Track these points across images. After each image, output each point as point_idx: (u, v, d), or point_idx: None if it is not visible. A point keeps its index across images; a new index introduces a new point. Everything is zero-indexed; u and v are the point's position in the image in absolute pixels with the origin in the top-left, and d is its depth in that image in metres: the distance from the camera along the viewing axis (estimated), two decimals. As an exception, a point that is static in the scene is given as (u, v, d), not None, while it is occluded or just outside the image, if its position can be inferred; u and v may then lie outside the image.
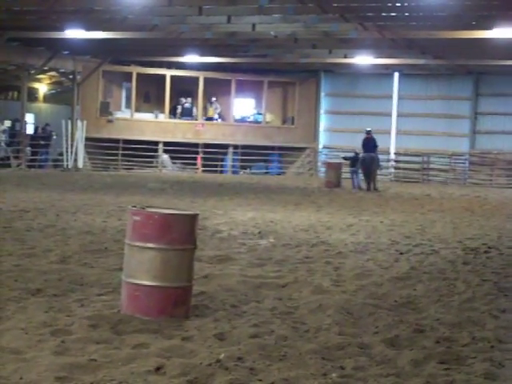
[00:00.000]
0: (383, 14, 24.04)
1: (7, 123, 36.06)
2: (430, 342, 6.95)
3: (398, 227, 16.25)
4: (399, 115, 36.71)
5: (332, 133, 37.57)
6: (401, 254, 12.35)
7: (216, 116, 36.93)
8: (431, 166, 36.60)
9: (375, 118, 36.42)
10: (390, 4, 22.47)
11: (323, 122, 37.93)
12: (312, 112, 37.57)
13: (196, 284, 8.18)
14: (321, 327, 7.31)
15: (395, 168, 36.98)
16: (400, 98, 36.81)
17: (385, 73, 36.23)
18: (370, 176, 27.97)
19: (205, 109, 36.72)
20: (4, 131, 34.59)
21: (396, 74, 36.68)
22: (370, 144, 28.61)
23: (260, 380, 5.75)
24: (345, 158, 30.41)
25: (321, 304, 8.22)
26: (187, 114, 36.26)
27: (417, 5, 22.10)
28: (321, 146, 37.69)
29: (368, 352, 6.60)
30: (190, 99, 36.37)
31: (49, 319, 7.18)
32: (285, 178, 34.78)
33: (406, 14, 23.51)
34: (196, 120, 36.27)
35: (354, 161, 29.15)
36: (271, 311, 7.93)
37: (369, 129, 29.49)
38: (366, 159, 27.91)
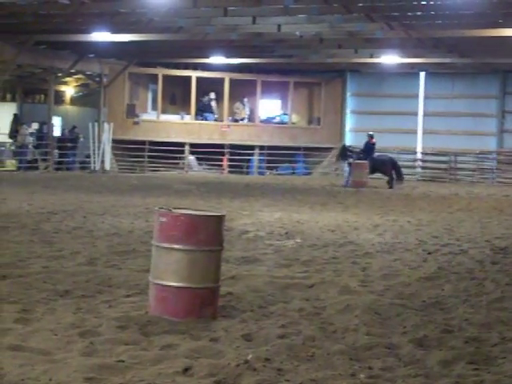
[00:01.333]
0: (409, 14, 23.93)
1: (35, 126, 36.31)
2: (459, 343, 6.90)
3: (425, 227, 16.16)
4: (425, 114, 36.53)
5: (358, 133, 37.39)
6: (429, 253, 12.28)
7: (246, 116, 36.95)
8: (458, 165, 36.39)
9: (401, 117, 36.28)
10: (415, 3, 22.38)
11: (349, 122, 37.84)
12: (338, 112, 37.48)
13: (223, 285, 8.19)
14: (348, 328, 7.29)
15: (422, 168, 36.81)
16: (426, 97, 36.63)
17: (411, 72, 36.05)
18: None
19: (233, 109, 36.70)
20: (31, 134, 34.83)
21: (422, 74, 36.50)
22: (372, 149, 29.76)
23: (288, 380, 5.74)
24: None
25: (348, 304, 8.20)
26: (206, 109, 36.20)
27: (443, 3, 22.00)
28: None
29: (396, 352, 6.57)
30: (212, 94, 36.09)
31: (77, 320, 7.22)
32: (311, 178, 34.72)
33: (432, 12, 23.37)
34: (215, 116, 36.25)
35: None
36: (298, 312, 7.92)
37: (371, 133, 30.25)
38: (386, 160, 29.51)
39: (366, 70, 36.84)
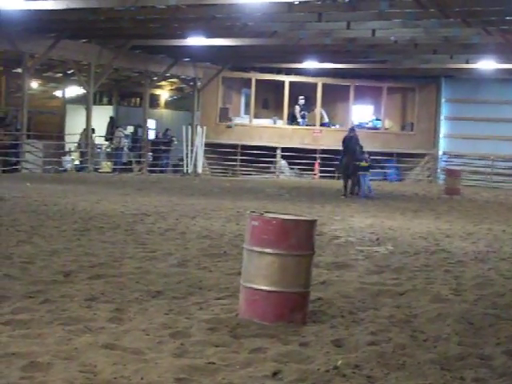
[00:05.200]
0: (507, 18, 23.46)
1: (130, 129, 36.98)
2: (555, 355, 6.72)
3: (521, 236, 15.80)
4: (523, 121, 35.73)
5: (452, 139, 36.88)
6: (524, 263, 12.01)
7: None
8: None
9: (498, 124, 35.56)
10: (514, 7, 21.93)
11: (443, 128, 37.30)
12: (432, 118, 37.00)
13: (313, 290, 8.17)
14: (440, 337, 7.17)
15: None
16: (524, 103, 35.84)
17: (508, 78, 35.31)
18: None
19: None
20: (127, 137, 35.48)
21: (519, 80, 35.75)
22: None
23: (378, 388, 5.69)
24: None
25: (440, 313, 8.07)
26: (295, 119, 36.18)
27: (542, 8, 21.49)
28: (441, 153, 37.07)
29: (489, 363, 6.43)
30: (301, 98, 35.93)
31: (169, 321, 7.30)
32: (403, 184, 34.37)
33: (531, 17, 22.89)
34: (300, 120, 36.16)
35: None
36: (389, 319, 7.84)
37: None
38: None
39: (462, 76, 36.25)
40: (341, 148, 25.56)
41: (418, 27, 24.66)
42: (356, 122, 37.00)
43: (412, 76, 36.65)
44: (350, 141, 24.86)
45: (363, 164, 24.30)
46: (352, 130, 25.98)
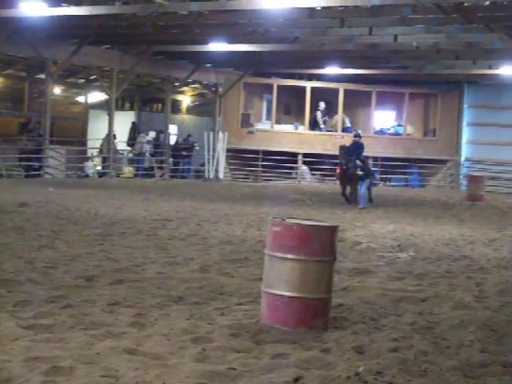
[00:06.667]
0: (530, 23, 23.35)
1: (152, 134, 37.09)
2: None
3: (544, 243, 15.68)
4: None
5: (475, 145, 36.68)
6: (547, 270, 11.92)
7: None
8: None
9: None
10: (537, 13, 21.80)
11: (466, 134, 37.12)
12: (454, 124, 36.83)
13: (335, 296, 8.15)
14: (462, 343, 7.13)
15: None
16: (547, 109, 35.60)
17: (531, 84, 35.12)
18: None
19: (332, 122, 36.56)
20: (149, 142, 35.60)
21: (543, 85, 35.51)
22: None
23: (400, 395, 5.66)
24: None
25: (462, 320, 8.02)
26: (317, 124, 36.12)
27: None
28: (463, 159, 36.90)
29: (512, 371, 6.40)
30: (322, 104, 35.76)
31: (190, 326, 7.31)
32: (425, 190, 34.22)
33: (555, 22, 22.73)
34: (323, 126, 36.12)
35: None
36: (411, 326, 7.81)
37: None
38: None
39: (484, 82, 36.07)
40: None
41: (440, 33, 24.59)
42: (378, 128, 36.98)
43: (434, 82, 36.54)
44: (349, 147, 23.63)
45: (359, 173, 22.94)
46: (356, 136, 24.74)
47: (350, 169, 23.07)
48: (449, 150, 36.66)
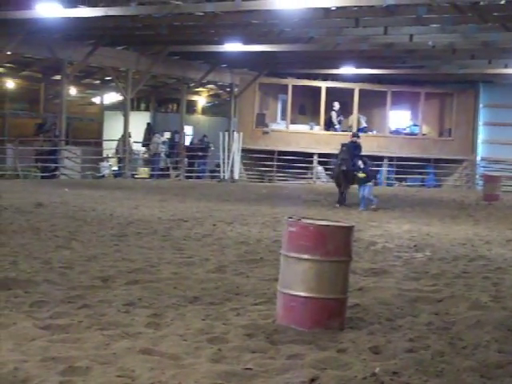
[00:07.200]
0: (546, 22, 23.24)
1: (167, 135, 37.17)
2: None
3: (560, 243, 15.59)
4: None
5: (491, 145, 36.55)
6: None
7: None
8: None
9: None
10: (554, 11, 21.71)
11: (481, 134, 36.99)
12: (470, 124, 36.71)
13: (351, 296, 8.13)
14: (479, 344, 7.10)
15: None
16: None
17: (548, 83, 34.99)
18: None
19: (348, 122, 36.49)
20: (164, 143, 35.66)
21: (559, 84, 35.37)
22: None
23: (416, 396, 5.65)
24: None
25: (479, 320, 7.99)
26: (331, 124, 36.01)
27: None
28: (479, 158, 36.77)
29: (529, 371, 6.36)
30: (336, 104, 35.57)
31: (206, 327, 7.31)
32: (441, 190, 34.11)
33: None
34: (337, 126, 36.03)
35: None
36: (427, 326, 7.78)
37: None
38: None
39: (500, 81, 35.94)
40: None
41: (455, 32, 24.53)
42: (393, 128, 36.90)
43: (450, 81, 36.44)
44: (348, 148, 22.51)
45: (360, 175, 21.87)
46: (355, 135, 23.59)
47: (349, 168, 22.02)
48: (465, 149, 36.55)
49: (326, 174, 35.97)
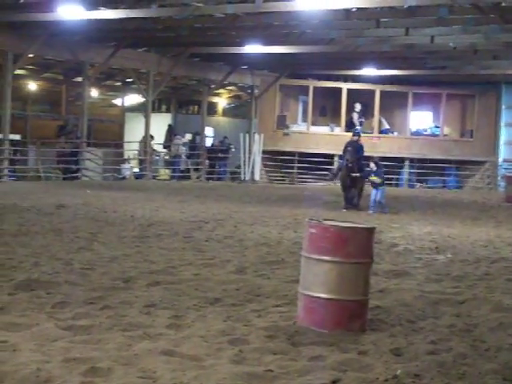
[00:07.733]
0: None
1: (188, 136, 37.24)
2: None
3: None
4: None
5: (513, 146, 36.39)
6: None
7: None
8: None
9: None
10: None
11: (503, 135, 36.80)
12: (492, 125, 36.54)
13: (372, 298, 8.10)
14: (502, 346, 7.05)
15: None
16: None
17: None
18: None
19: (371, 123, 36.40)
20: (185, 144, 35.73)
21: None
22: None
23: (438, 398, 5.62)
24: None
25: (501, 322, 7.94)
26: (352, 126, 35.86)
27: None
28: (501, 160, 36.58)
29: (552, 375, 6.31)
30: (358, 105, 35.40)
31: (227, 328, 7.31)
32: (462, 192, 33.96)
33: None
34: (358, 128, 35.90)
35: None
36: (449, 328, 7.75)
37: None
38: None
39: (523, 82, 35.78)
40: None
41: (477, 33, 24.42)
42: (414, 129, 36.77)
43: (471, 82, 36.25)
44: (354, 148, 21.67)
45: (375, 180, 21.17)
46: (355, 134, 22.73)
47: (358, 171, 21.37)
48: (486, 150, 36.37)
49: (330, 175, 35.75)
